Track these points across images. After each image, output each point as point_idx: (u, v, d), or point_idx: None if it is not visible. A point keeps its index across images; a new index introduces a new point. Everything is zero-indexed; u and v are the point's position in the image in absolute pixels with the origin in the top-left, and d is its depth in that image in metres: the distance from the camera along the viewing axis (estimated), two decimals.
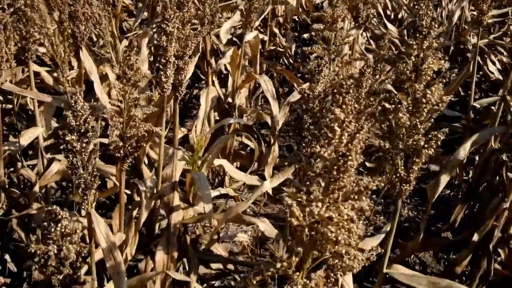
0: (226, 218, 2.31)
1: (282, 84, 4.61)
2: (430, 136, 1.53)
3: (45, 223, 1.43)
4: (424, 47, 1.51)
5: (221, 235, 2.97)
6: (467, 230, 2.95)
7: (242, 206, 2.28)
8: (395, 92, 1.74)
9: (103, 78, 3.08)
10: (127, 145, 1.94)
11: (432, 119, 1.54)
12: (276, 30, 4.47)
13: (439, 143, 1.53)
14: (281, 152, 3.40)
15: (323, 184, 1.07)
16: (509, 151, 3.06)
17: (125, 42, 3.34)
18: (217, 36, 3.70)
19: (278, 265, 1.09)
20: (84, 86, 2.89)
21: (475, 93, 3.18)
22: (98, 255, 2.04)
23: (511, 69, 3.37)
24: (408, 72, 1.52)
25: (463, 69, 3.17)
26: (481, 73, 4.47)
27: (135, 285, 2.06)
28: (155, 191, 2.36)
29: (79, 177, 1.74)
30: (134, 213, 2.36)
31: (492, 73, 4.34)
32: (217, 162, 2.68)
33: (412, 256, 3.13)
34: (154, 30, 3.63)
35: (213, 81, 3.34)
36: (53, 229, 1.42)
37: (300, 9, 4.99)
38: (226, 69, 3.79)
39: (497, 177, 2.99)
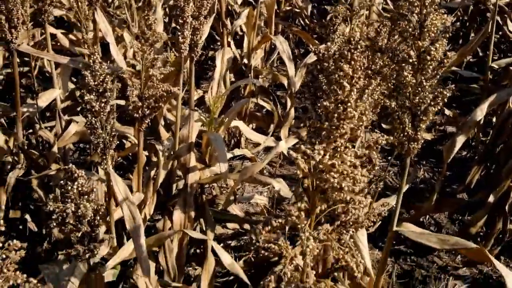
0: (242, 178, 2.34)
1: (298, 45, 4.57)
2: (436, 93, 1.53)
3: (63, 182, 1.46)
4: (427, 3, 1.49)
5: (237, 196, 2.99)
6: (482, 191, 2.95)
7: (258, 166, 2.30)
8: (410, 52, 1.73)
9: (119, 40, 3.09)
10: (145, 105, 1.95)
11: (438, 76, 1.54)
12: None
13: (445, 100, 1.53)
14: (297, 114, 3.39)
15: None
16: None
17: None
18: None
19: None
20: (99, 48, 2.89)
21: (493, 53, 3.14)
22: (117, 214, 2.08)
23: None
24: (410, 29, 1.50)
25: (482, 29, 3.12)
26: (500, 33, 4.39)
27: (153, 243, 2.11)
28: (172, 152, 2.39)
29: (98, 137, 1.76)
30: (152, 173, 2.39)
31: None
32: (233, 123, 2.69)
33: (427, 217, 3.14)
34: None
35: (228, 42, 3.32)
36: (70, 188, 1.45)
37: None
38: (241, 30, 3.77)
39: None
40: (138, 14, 3.25)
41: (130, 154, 3.00)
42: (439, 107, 1.51)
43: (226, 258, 2.07)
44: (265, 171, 3.36)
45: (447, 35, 1.51)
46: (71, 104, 2.98)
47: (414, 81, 1.49)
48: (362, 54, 1.27)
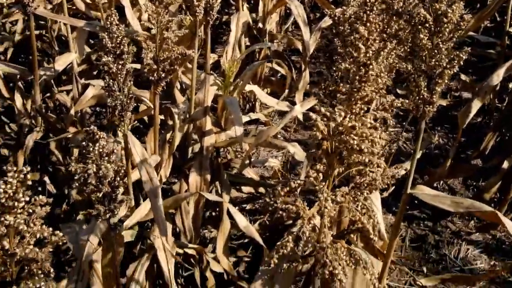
0: (257, 142, 2.35)
1: (313, 9, 4.54)
2: (452, 56, 1.52)
3: (84, 143, 1.48)
4: None
5: (252, 160, 3.02)
6: (497, 157, 2.95)
7: (273, 130, 2.31)
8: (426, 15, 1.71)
9: (134, 3, 3.08)
10: (160, 68, 1.96)
11: (454, 39, 1.53)
12: None
13: (461, 62, 1.52)
14: (312, 79, 3.39)
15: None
16: None
17: None
18: None
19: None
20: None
21: (511, 18, 3.09)
22: (134, 175, 2.11)
23: None
24: None
25: None
26: None
27: (170, 205, 2.14)
28: (187, 116, 2.40)
29: (116, 99, 1.78)
30: (168, 136, 2.41)
31: None
32: (248, 88, 2.70)
33: (441, 183, 3.15)
34: None
35: (243, 6, 3.30)
36: (91, 149, 1.48)
37: None
38: None
39: None
40: None
41: (146, 118, 3.02)
42: (454, 70, 1.51)
43: (242, 221, 2.10)
44: (279, 136, 3.37)
45: None
46: (87, 68, 2.99)
47: (430, 44, 1.49)
48: (378, 17, 1.27)
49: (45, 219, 1.03)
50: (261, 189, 2.70)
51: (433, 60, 1.50)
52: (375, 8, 1.57)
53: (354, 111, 1.07)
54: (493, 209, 1.65)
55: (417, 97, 1.54)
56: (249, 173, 2.61)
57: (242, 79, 2.63)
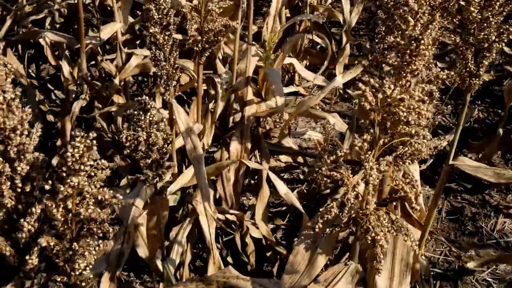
0: (297, 112, 2.39)
1: None
2: (502, 30, 1.53)
3: (135, 112, 1.54)
4: None
5: (291, 131, 3.05)
6: None
7: (313, 100, 2.34)
8: None
9: None
10: (205, 39, 2.00)
11: (504, 13, 1.53)
12: None
13: (510, 36, 1.53)
14: (351, 51, 3.38)
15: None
16: None
17: None
18: None
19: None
20: None
21: None
22: (178, 143, 2.17)
23: None
24: None
25: None
26: None
27: (212, 172, 2.20)
28: (230, 86, 2.45)
29: (162, 69, 1.83)
30: (210, 105, 2.46)
31: None
32: (287, 60, 2.72)
33: (479, 157, 3.14)
34: None
35: None
36: (142, 118, 1.54)
37: None
38: None
39: None
40: None
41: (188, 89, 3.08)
42: (503, 44, 1.51)
43: (282, 188, 2.14)
44: (318, 108, 3.40)
45: None
46: (130, 38, 3.05)
47: (480, 17, 1.49)
48: None
49: None
50: (300, 159, 2.74)
51: (482, 33, 1.51)
52: None
53: (402, 83, 1.09)
54: None
55: (464, 70, 1.55)
56: (289, 142, 2.65)
57: (283, 51, 2.66)
